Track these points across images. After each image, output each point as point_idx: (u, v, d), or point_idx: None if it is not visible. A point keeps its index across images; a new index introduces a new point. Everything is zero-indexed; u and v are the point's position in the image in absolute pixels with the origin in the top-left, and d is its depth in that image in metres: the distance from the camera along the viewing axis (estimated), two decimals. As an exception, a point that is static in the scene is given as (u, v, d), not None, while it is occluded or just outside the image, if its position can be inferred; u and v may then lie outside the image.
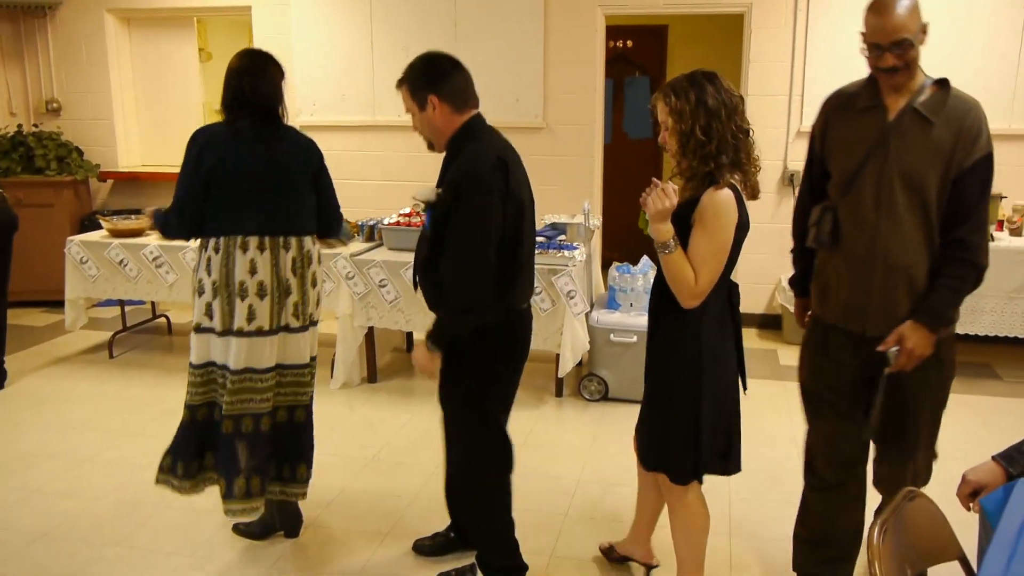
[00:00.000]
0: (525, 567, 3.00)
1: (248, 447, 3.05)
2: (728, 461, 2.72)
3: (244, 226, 2.96)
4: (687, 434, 2.59)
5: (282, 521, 3.34)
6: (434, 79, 2.71)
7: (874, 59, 2.43)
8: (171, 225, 3.04)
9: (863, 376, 2.60)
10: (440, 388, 2.90)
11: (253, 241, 2.97)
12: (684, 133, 2.45)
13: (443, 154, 2.80)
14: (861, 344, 2.57)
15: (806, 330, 2.81)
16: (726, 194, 2.45)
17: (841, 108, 2.60)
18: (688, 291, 2.48)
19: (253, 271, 2.97)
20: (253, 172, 2.97)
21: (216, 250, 2.97)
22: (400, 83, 2.77)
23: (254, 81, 2.98)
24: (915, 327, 2.48)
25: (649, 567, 3.11)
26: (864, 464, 2.79)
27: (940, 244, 2.50)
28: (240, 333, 2.98)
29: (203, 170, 2.92)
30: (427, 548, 3.25)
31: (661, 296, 2.61)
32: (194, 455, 3.13)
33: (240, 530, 3.36)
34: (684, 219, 2.47)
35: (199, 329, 3.06)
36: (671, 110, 2.47)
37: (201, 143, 2.95)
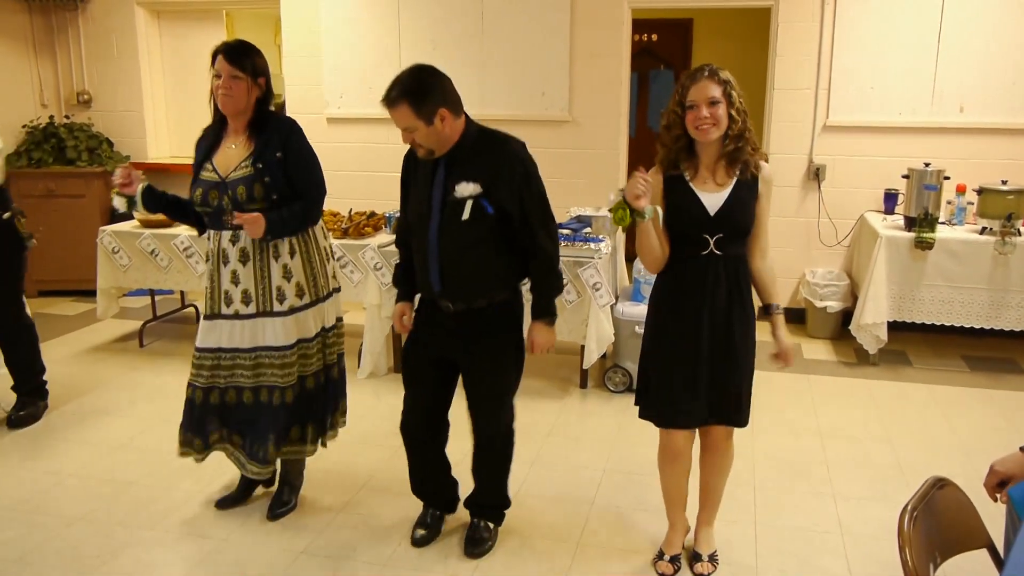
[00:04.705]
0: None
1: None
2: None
3: None
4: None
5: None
6: (439, 93, 2.78)
7: None
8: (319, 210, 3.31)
9: None
10: (494, 358, 3.02)
11: None
12: (739, 111, 2.73)
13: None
14: None
15: None
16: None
17: None
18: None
19: (325, 237, 3.39)
20: None
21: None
22: (396, 101, 2.76)
23: None
24: None
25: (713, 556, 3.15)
26: None
27: None
28: (337, 290, 3.41)
29: None
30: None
31: None
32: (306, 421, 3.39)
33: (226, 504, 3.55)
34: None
35: (291, 310, 3.21)
36: (738, 95, 2.72)
37: None
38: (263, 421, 3.26)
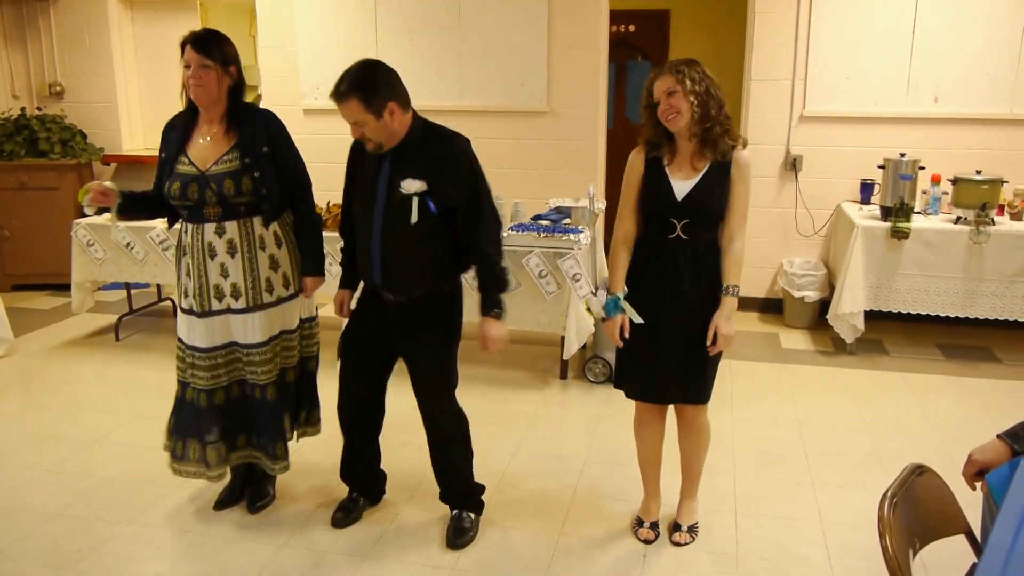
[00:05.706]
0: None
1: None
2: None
3: None
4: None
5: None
6: (389, 87, 2.81)
7: None
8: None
9: None
10: (431, 345, 3.05)
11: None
12: (699, 95, 2.77)
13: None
14: None
15: None
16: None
17: None
18: None
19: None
20: None
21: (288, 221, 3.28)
22: (345, 95, 2.78)
23: None
24: None
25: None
26: None
27: None
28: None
29: None
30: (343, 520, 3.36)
31: None
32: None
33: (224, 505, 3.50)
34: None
35: (279, 300, 3.22)
36: (694, 82, 2.77)
37: None
38: (265, 418, 3.24)
